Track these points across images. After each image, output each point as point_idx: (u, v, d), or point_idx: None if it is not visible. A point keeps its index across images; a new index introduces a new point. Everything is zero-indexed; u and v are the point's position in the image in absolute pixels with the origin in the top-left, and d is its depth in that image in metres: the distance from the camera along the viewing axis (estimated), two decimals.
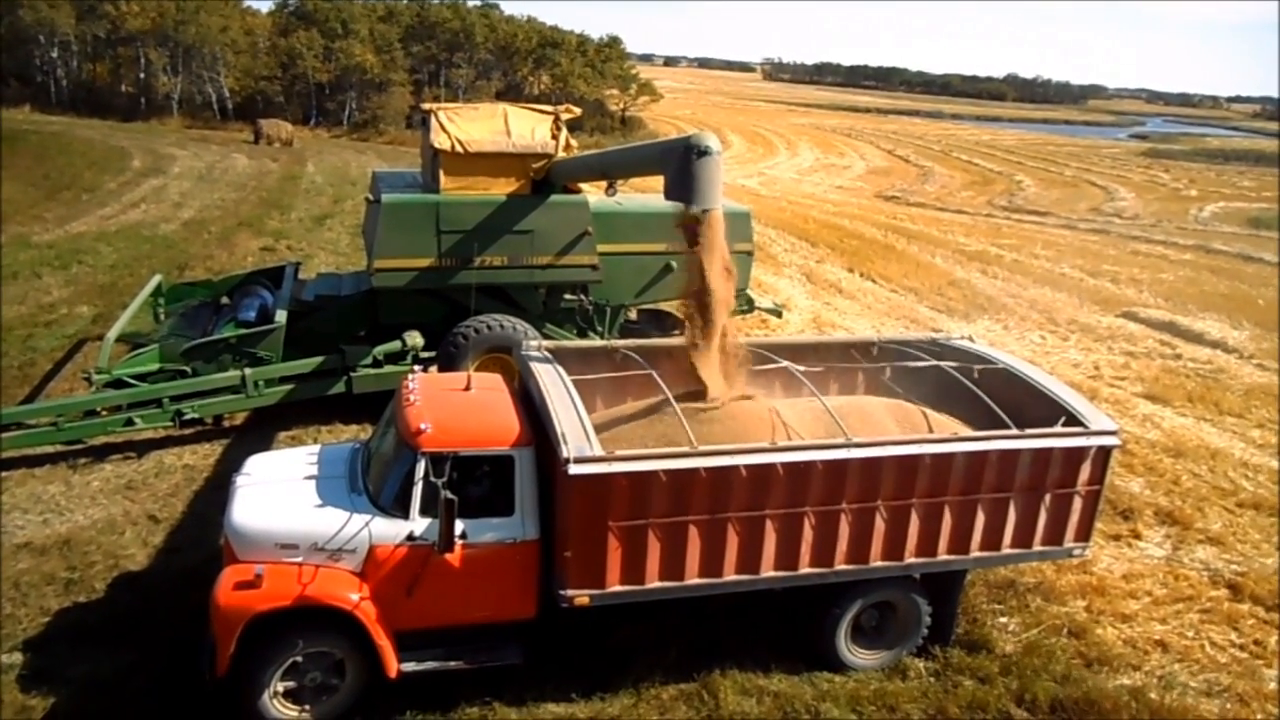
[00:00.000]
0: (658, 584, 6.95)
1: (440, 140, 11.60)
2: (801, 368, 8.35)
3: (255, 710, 6.68)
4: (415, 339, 12.04)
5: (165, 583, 8.56)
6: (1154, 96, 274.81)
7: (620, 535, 6.71)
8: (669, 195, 8.35)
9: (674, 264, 12.40)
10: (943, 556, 7.60)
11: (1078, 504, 7.80)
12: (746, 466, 6.82)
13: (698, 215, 7.77)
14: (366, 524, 6.77)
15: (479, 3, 65.34)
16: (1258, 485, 12.39)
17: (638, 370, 8.09)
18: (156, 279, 14.30)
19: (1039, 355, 17.33)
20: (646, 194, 13.42)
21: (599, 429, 7.01)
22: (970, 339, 9.79)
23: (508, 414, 7.22)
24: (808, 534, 7.15)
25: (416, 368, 8.56)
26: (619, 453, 6.64)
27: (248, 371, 11.42)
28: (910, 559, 7.50)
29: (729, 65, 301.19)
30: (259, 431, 11.92)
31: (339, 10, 56.15)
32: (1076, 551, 8.10)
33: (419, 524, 6.77)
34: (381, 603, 6.73)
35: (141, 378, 11.34)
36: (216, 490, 9.81)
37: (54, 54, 52.19)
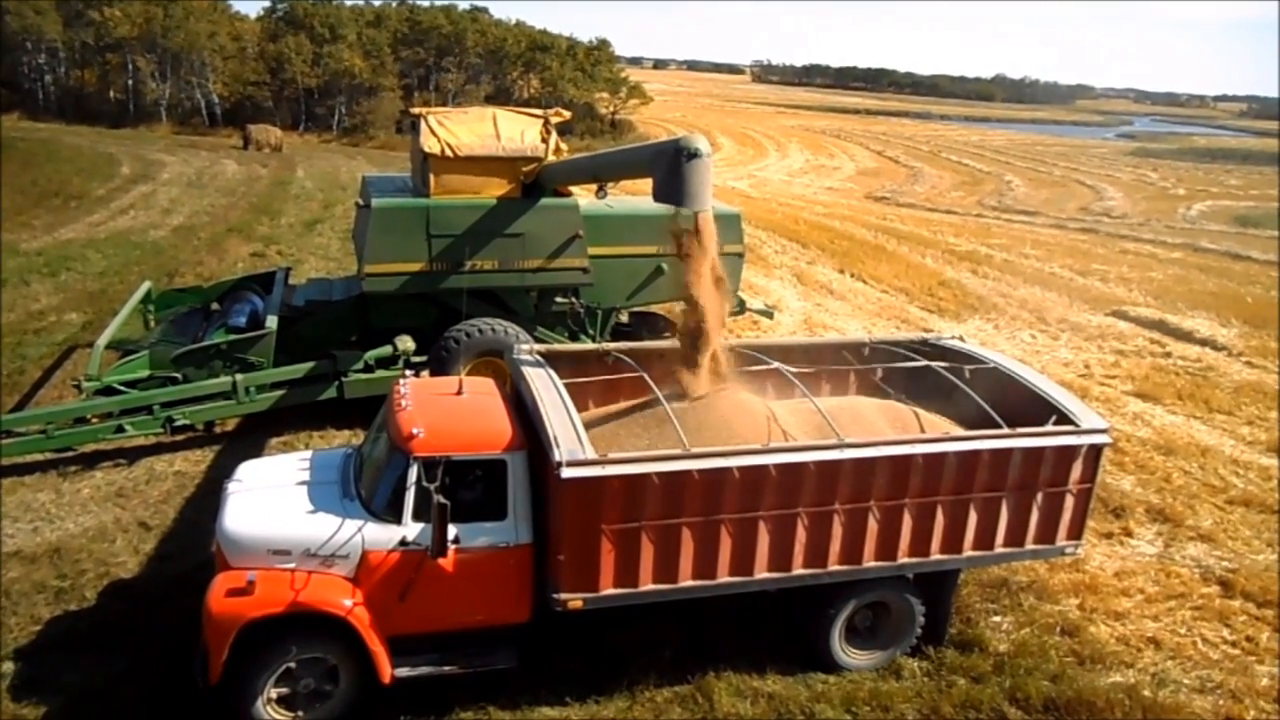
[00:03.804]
0: (651, 586, 6.95)
1: (430, 144, 11.60)
2: (793, 369, 8.36)
3: (249, 717, 6.66)
4: (406, 343, 12.02)
5: (157, 590, 8.53)
6: (1141, 96, 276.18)
7: (613, 538, 6.71)
8: (658, 197, 8.37)
9: (665, 266, 12.42)
10: (936, 556, 7.61)
11: (1069, 502, 7.83)
12: (739, 468, 6.81)
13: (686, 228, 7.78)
14: (359, 529, 6.75)
15: (468, 6, 65.39)
16: (1248, 482, 12.45)
17: (630, 373, 8.09)
18: (146, 285, 14.24)
19: (1029, 354, 17.39)
20: (637, 196, 13.42)
21: (591, 432, 7.00)
22: (961, 339, 9.82)
23: (500, 418, 7.21)
24: (801, 535, 7.15)
25: (408, 372, 8.53)
26: (611, 455, 6.64)
27: (238, 377, 11.38)
28: (903, 559, 7.51)
29: (718, 68, 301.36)
30: (250, 437, 11.88)
31: (327, 15, 56.10)
32: (1069, 550, 8.12)
33: (412, 529, 6.76)
34: (375, 608, 6.71)
35: (132, 384, 11.29)
36: (208, 497, 9.79)
37: (41, 60, 52.11)
